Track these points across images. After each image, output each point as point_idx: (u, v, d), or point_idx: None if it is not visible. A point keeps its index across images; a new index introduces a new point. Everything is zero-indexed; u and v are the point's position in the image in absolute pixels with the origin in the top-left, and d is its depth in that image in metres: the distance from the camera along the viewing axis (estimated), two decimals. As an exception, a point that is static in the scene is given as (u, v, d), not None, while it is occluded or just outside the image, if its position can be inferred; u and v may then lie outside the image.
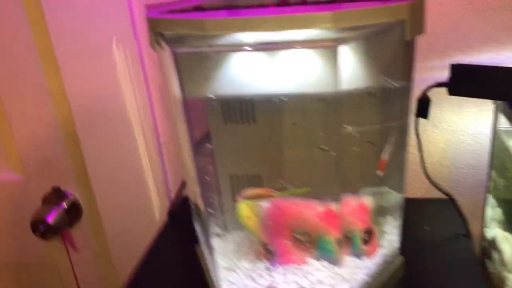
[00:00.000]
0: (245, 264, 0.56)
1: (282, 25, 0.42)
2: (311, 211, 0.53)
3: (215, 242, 0.56)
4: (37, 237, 0.87)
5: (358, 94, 0.48)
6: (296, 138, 0.53)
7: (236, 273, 0.55)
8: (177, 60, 0.44)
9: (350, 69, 0.44)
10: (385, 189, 0.56)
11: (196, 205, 0.56)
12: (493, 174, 0.67)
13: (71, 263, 0.95)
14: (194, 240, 0.64)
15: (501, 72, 0.55)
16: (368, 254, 0.55)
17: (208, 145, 0.51)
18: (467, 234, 0.66)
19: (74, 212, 0.91)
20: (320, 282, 0.52)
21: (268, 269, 0.55)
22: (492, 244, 0.68)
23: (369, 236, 0.55)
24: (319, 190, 0.51)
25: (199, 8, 0.55)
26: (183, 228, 0.75)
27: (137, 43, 0.76)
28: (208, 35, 0.43)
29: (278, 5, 0.52)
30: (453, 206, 0.67)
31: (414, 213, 0.67)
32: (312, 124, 0.50)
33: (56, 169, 0.88)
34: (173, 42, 0.46)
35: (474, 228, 0.69)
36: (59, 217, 0.88)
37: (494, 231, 0.68)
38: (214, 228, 0.56)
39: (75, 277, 0.97)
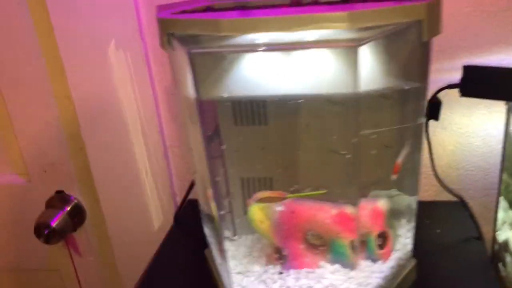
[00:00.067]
0: (257, 268, 0.55)
1: (298, 25, 0.41)
2: (324, 214, 0.53)
3: (228, 246, 0.55)
4: (40, 241, 0.86)
5: (374, 95, 0.48)
6: (310, 140, 0.53)
7: (248, 278, 0.54)
8: (192, 60, 0.44)
9: (368, 70, 0.43)
10: (399, 192, 0.55)
11: (208, 209, 0.56)
12: (505, 176, 0.66)
13: (75, 268, 0.95)
14: (202, 244, 0.63)
15: (514, 73, 0.55)
16: (383, 258, 0.54)
17: (222, 146, 0.51)
18: (479, 237, 0.65)
19: (78, 216, 0.90)
20: (334, 286, 0.52)
21: (280, 273, 0.54)
22: (504, 247, 0.67)
23: (384, 240, 0.54)
24: (334, 194, 0.51)
25: (210, 9, 0.54)
26: (190, 232, 0.75)
27: (144, 45, 0.75)
28: (223, 35, 0.42)
29: (291, 5, 0.52)
30: (464, 208, 0.66)
31: (424, 215, 0.66)
32: (327, 126, 0.50)
33: (60, 173, 0.87)
34: (187, 42, 0.45)
35: (484, 231, 0.68)
36: (63, 221, 0.87)
37: (506, 234, 0.67)
38: (226, 232, 0.55)
39: (79, 282, 0.96)
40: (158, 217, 0.86)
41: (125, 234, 0.88)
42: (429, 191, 0.76)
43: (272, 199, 0.53)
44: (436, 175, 0.64)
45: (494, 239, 0.70)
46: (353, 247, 0.52)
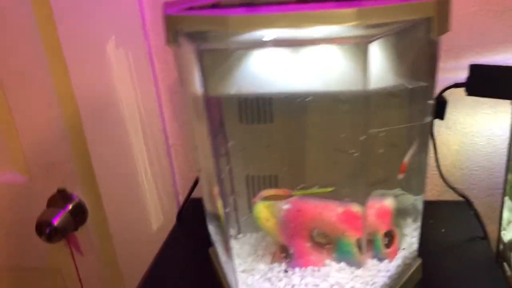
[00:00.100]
0: (262, 266, 0.55)
1: (307, 21, 0.41)
2: (330, 212, 0.52)
3: (233, 244, 0.55)
4: (42, 240, 0.85)
5: (382, 93, 0.48)
6: (316, 139, 0.52)
7: (253, 276, 0.54)
8: (201, 57, 0.43)
9: (377, 67, 0.43)
10: (405, 191, 0.55)
11: (213, 207, 0.55)
12: (510, 176, 0.66)
13: (76, 267, 0.94)
14: (205, 242, 0.63)
15: (522, 72, 0.55)
16: (389, 257, 0.54)
17: (228, 144, 0.50)
18: (484, 237, 0.65)
19: (79, 215, 0.90)
20: (339, 284, 0.51)
21: (285, 271, 0.54)
22: (509, 247, 0.67)
23: (390, 239, 0.54)
24: (341, 192, 0.50)
25: (217, 5, 0.54)
26: (193, 231, 0.74)
27: (147, 44, 0.75)
28: (232, 32, 0.42)
29: (299, 1, 0.51)
30: (469, 208, 0.66)
31: (428, 215, 0.66)
32: (335, 124, 0.50)
33: (61, 171, 0.87)
34: (194, 39, 0.45)
35: (489, 230, 0.68)
36: (65, 219, 0.87)
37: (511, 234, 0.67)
38: (231, 230, 0.55)
39: (80, 281, 0.95)
40: (160, 216, 0.85)
41: (127, 233, 0.88)
42: (433, 190, 0.76)
43: (278, 197, 0.53)
44: (441, 175, 0.64)
45: (499, 238, 0.70)
46: (359, 245, 0.51)
